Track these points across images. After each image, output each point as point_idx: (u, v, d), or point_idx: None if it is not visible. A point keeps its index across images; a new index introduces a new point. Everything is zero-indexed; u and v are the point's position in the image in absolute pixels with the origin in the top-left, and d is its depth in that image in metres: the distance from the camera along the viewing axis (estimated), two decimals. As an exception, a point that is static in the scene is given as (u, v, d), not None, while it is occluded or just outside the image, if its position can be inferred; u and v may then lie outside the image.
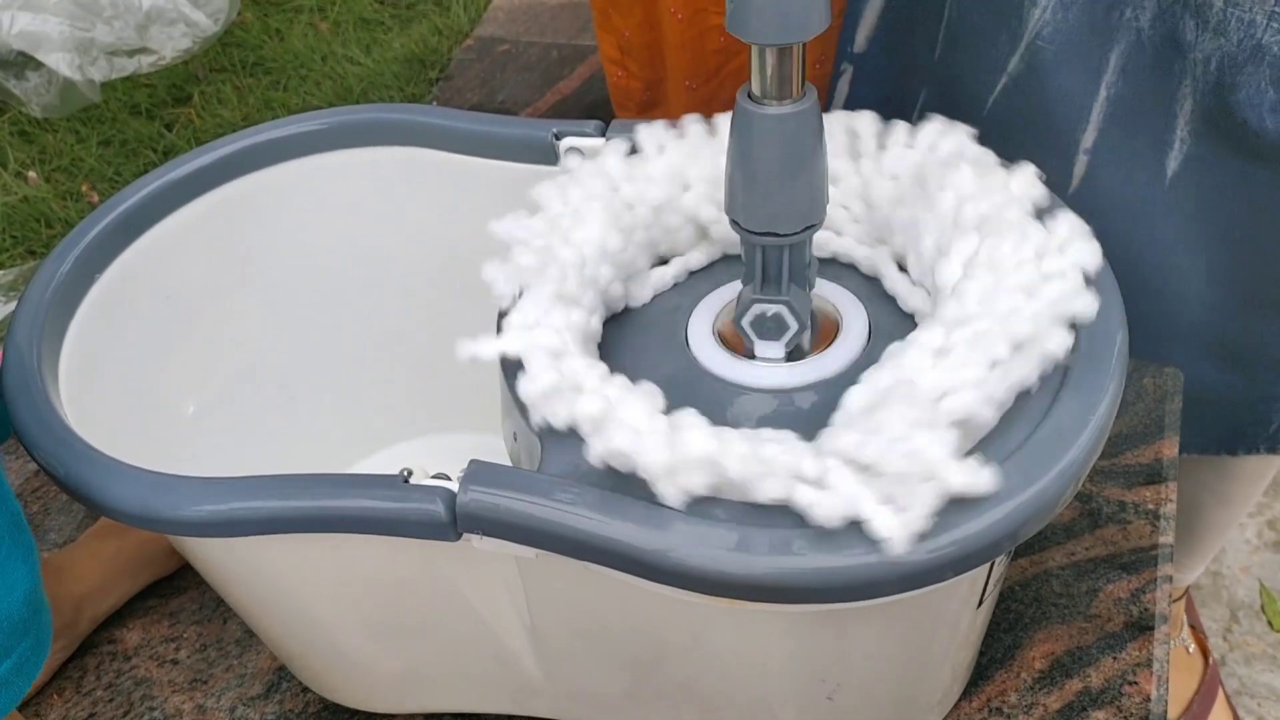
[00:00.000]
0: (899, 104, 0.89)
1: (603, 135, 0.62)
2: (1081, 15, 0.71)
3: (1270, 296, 0.78)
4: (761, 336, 0.52)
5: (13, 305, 1.17)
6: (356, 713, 0.69)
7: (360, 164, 0.68)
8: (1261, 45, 0.63)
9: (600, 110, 1.39)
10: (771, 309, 0.51)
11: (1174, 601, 1.08)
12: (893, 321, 0.54)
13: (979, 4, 0.76)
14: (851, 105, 0.86)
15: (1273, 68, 0.64)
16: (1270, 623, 1.19)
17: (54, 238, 1.42)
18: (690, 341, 0.54)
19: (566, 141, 0.63)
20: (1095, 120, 0.75)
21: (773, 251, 0.50)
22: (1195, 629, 1.12)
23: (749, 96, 0.47)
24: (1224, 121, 0.69)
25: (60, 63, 1.55)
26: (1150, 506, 0.72)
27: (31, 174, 1.52)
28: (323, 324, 0.74)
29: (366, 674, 0.65)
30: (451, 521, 0.46)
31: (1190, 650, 1.10)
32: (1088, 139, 0.76)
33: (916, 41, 0.86)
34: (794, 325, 0.51)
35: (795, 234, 0.49)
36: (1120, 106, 0.74)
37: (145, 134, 1.58)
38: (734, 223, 0.50)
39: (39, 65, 1.58)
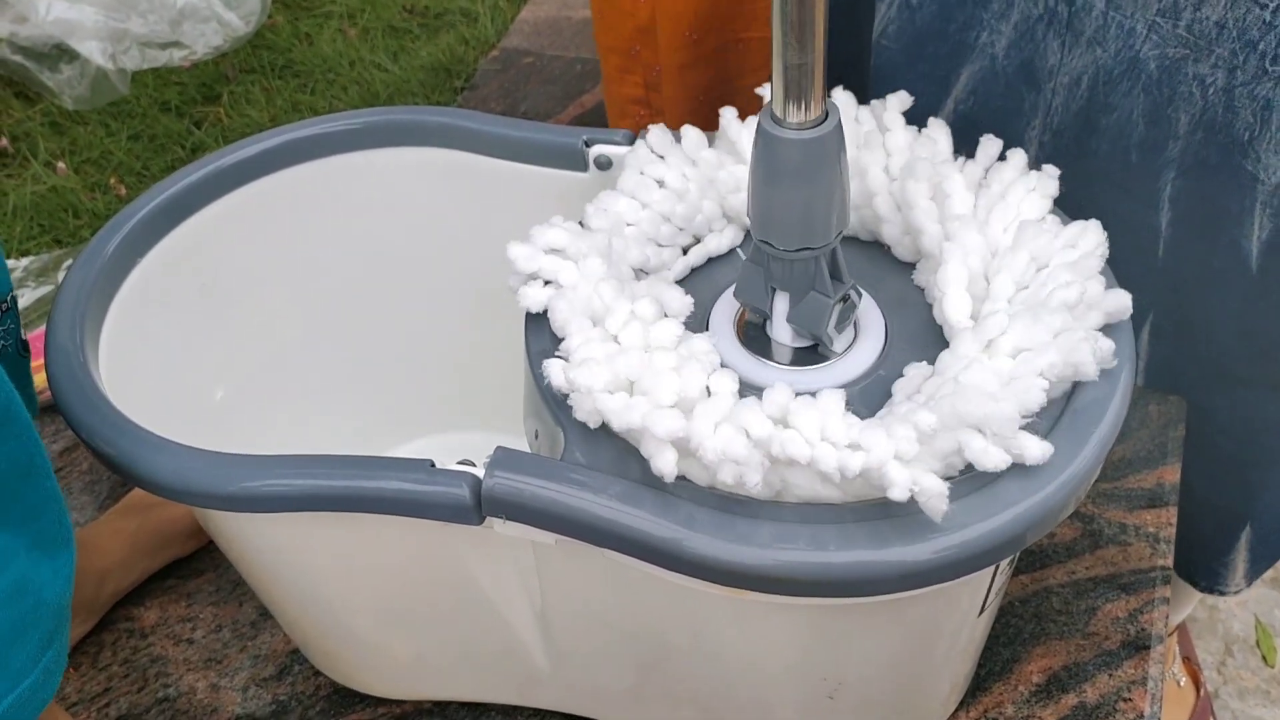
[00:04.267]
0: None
1: (630, 144, 0.64)
2: (929, 23, 0.68)
3: None
4: (840, 329, 0.52)
5: (41, 291, 1.19)
6: (367, 697, 0.70)
7: (395, 164, 0.69)
8: (1139, 59, 0.61)
9: (622, 125, 1.41)
10: (849, 299, 0.51)
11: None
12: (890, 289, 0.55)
13: None
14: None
15: (1147, 92, 0.62)
16: (1265, 658, 1.20)
17: (81, 228, 1.44)
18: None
19: (596, 149, 0.65)
20: None
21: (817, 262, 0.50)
22: (1189, 661, 1.13)
23: (771, 118, 0.46)
24: (1083, 156, 0.67)
25: (93, 51, 1.58)
26: (1151, 529, 0.73)
27: (61, 165, 1.54)
28: (349, 318, 0.75)
29: (379, 659, 0.66)
30: (476, 505, 0.48)
31: (1181, 683, 1.11)
32: None
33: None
34: (859, 301, 0.53)
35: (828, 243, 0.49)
36: (967, 125, 0.71)
37: (174, 130, 1.61)
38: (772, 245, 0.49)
39: (72, 58, 1.61)
